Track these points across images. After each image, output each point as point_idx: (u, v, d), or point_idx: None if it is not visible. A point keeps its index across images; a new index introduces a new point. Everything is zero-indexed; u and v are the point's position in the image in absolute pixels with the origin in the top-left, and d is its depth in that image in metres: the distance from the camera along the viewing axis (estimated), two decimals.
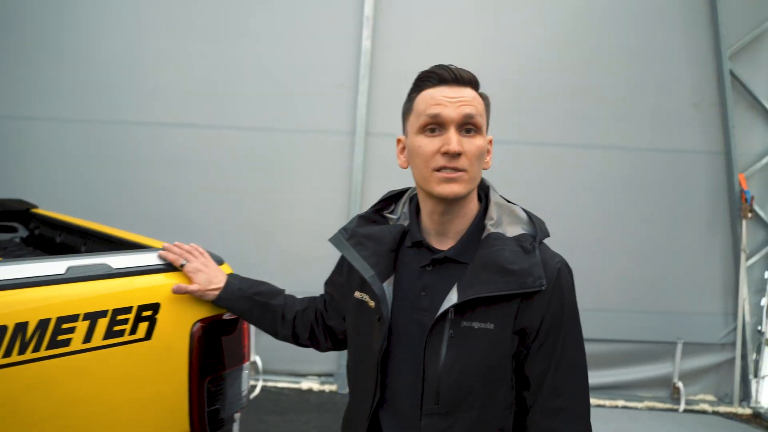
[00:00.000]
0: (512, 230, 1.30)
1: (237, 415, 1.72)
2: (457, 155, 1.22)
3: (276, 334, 1.60)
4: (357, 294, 1.40)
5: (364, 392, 1.36)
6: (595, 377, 4.26)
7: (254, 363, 4.31)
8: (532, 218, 1.34)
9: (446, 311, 1.23)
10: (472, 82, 1.27)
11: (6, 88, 4.16)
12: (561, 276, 1.27)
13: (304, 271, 3.59)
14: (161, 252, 1.59)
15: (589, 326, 3.98)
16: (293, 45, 4.05)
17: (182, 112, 4.17)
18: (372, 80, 4.02)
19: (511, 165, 4.09)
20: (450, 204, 1.28)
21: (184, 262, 1.58)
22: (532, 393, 1.28)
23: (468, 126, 1.24)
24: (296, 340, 1.60)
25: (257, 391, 4.14)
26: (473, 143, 1.24)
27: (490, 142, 1.33)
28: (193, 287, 1.55)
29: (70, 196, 4.07)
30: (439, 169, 1.23)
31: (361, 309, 1.38)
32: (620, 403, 4.25)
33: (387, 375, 1.33)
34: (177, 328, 1.53)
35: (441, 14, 4.08)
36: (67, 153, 4.19)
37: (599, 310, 4.23)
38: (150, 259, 1.56)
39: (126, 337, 1.43)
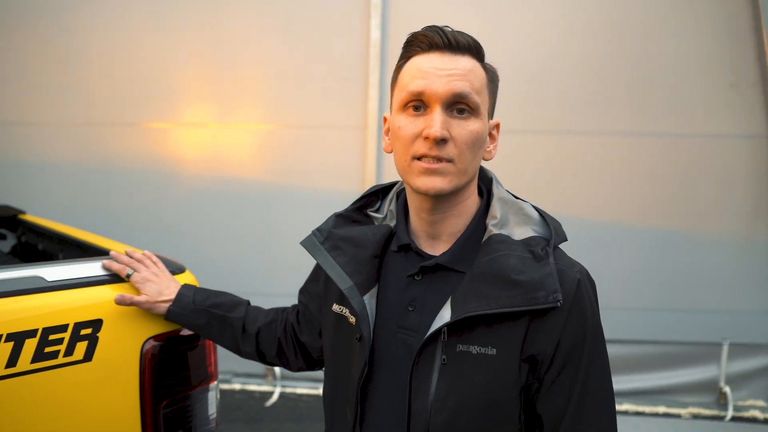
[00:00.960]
0: (520, 232, 1.06)
1: None
2: (441, 141, 0.98)
3: (239, 352, 1.41)
4: (335, 307, 1.18)
5: (341, 426, 1.15)
6: (632, 381, 3.99)
7: (271, 369, 4.16)
8: (545, 218, 1.09)
9: (438, 331, 1.00)
10: (471, 48, 1.02)
11: None
12: (581, 289, 1.03)
13: None
14: (105, 261, 1.42)
15: (626, 326, 3.82)
16: (297, 38, 3.87)
17: (184, 112, 4.05)
18: (383, 72, 3.80)
19: (529, 156, 3.85)
20: (438, 201, 1.05)
21: (130, 271, 1.40)
22: None
23: (460, 106, 1.00)
24: (262, 357, 1.40)
25: (275, 398, 3.99)
26: (465, 127, 1.00)
27: (497, 126, 1.09)
28: (140, 298, 1.37)
29: (73, 202, 4.01)
30: (420, 158, 1.00)
31: (340, 325, 1.17)
32: (661, 409, 3.94)
33: (367, 406, 1.10)
34: (124, 346, 1.36)
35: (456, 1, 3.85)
36: (64, 157, 4.13)
37: (636, 309, 3.95)
38: (93, 269, 1.39)
39: (60, 360, 1.26)
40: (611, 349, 3.73)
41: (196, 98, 4.04)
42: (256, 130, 4.02)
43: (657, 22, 3.78)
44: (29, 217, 2.52)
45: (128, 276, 1.40)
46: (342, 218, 1.21)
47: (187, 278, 1.54)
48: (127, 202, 4.09)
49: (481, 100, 1.02)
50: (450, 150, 1.00)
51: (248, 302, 1.44)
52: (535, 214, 1.10)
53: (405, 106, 1.03)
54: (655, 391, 4.02)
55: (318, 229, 1.19)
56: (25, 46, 4.09)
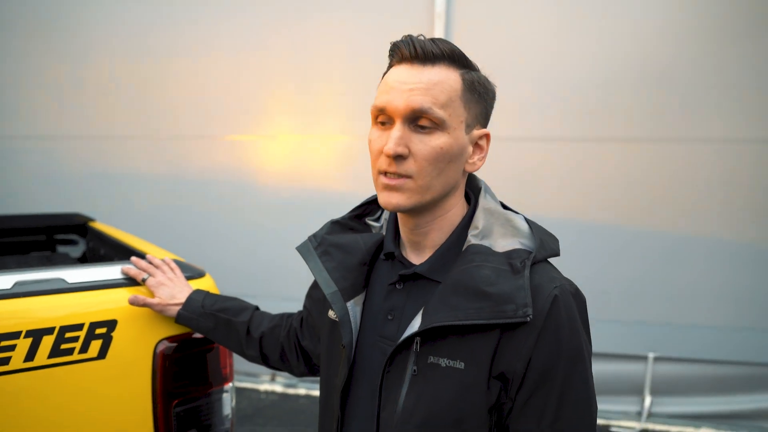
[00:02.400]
0: (504, 243, 1.01)
1: None
2: (398, 158, 0.97)
3: (244, 355, 1.44)
4: (331, 313, 1.18)
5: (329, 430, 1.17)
6: (713, 404, 3.74)
7: None
8: (534, 230, 1.04)
9: (411, 341, 0.99)
10: (444, 57, 0.98)
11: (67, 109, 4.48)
12: (557, 306, 0.95)
13: None
14: (124, 267, 1.51)
15: (708, 345, 3.59)
16: (359, 51, 3.93)
17: (266, 125, 4.22)
18: None
19: (602, 165, 3.72)
20: (414, 215, 1.04)
21: (146, 276, 1.48)
22: None
23: (422, 121, 0.97)
24: (266, 361, 1.44)
25: None
26: (427, 143, 0.97)
27: (485, 137, 1.05)
28: (152, 300, 1.44)
29: (156, 211, 4.27)
30: (385, 173, 0.99)
31: (333, 332, 1.18)
32: None
33: (346, 414, 1.11)
34: (137, 346, 1.43)
35: (522, 8, 3.78)
36: (151, 169, 4.42)
37: (720, 327, 3.71)
38: (111, 273, 1.48)
39: (75, 356, 1.35)
40: (695, 369, 3.51)
41: (276, 111, 4.20)
42: (335, 141, 4.12)
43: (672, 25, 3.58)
44: (98, 225, 2.70)
45: (143, 280, 1.48)
46: (338, 225, 1.22)
47: (206, 282, 1.60)
48: (210, 212, 4.30)
49: (450, 113, 0.98)
50: (409, 166, 0.97)
51: (256, 307, 1.48)
52: (525, 227, 1.05)
53: (375, 120, 1.02)
54: (738, 416, 3.74)
55: (313, 235, 1.21)
56: (113, 66, 4.41)
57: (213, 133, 4.29)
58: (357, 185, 4.07)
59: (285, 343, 1.41)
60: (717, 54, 3.55)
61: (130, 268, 1.51)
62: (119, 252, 2.24)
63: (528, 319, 0.92)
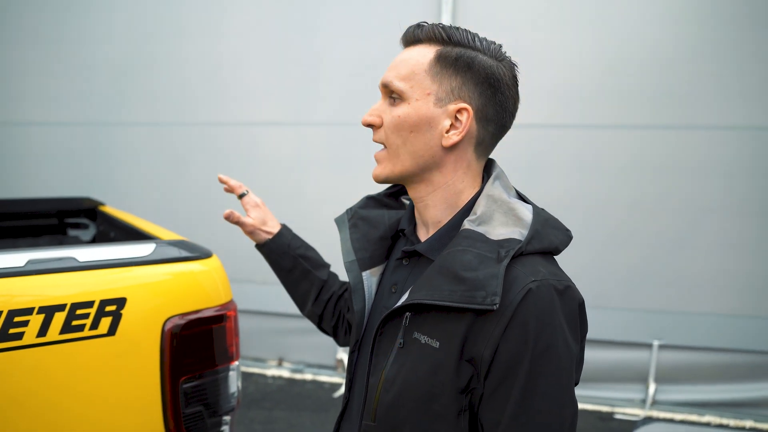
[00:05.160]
0: (502, 232, 1.01)
1: (227, 418, 1.63)
2: (371, 127, 1.09)
3: (303, 308, 1.47)
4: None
5: (344, 393, 1.23)
6: (717, 392, 3.77)
7: (341, 361, 4.27)
8: (534, 222, 1.03)
9: (402, 314, 1.03)
10: (424, 38, 1.05)
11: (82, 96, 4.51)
12: (529, 300, 0.94)
13: None
14: (222, 176, 1.48)
15: (713, 333, 3.60)
16: (365, 36, 3.95)
17: (264, 112, 4.24)
18: None
19: (612, 152, 3.73)
20: (409, 188, 1.10)
21: (245, 192, 1.47)
22: None
23: (392, 94, 1.07)
24: (320, 322, 1.46)
25: (343, 389, 4.08)
26: (390, 113, 1.06)
27: (464, 112, 1.03)
28: (246, 220, 1.44)
29: (158, 195, 4.31)
30: None
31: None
32: (748, 423, 3.69)
33: (354, 379, 1.18)
34: (146, 324, 1.46)
35: None
36: (152, 154, 4.45)
37: (724, 315, 3.72)
38: (121, 252, 1.51)
39: (86, 333, 1.39)
40: (699, 357, 3.55)
41: (285, 97, 4.23)
42: (340, 128, 4.14)
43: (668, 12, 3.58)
44: (107, 209, 2.74)
45: (242, 195, 1.47)
46: (372, 201, 1.29)
47: (213, 263, 1.64)
48: (217, 197, 4.33)
49: (411, 85, 1.04)
50: (380, 135, 1.08)
51: (330, 265, 1.50)
52: (527, 217, 1.04)
53: None
54: (743, 404, 3.77)
55: (350, 208, 1.28)
56: (114, 54, 4.45)
57: (220, 120, 4.32)
58: (366, 173, 4.09)
59: (344, 311, 1.44)
60: (736, 40, 3.54)
61: (229, 178, 1.49)
62: (129, 235, 2.28)
63: (494, 307, 0.92)
